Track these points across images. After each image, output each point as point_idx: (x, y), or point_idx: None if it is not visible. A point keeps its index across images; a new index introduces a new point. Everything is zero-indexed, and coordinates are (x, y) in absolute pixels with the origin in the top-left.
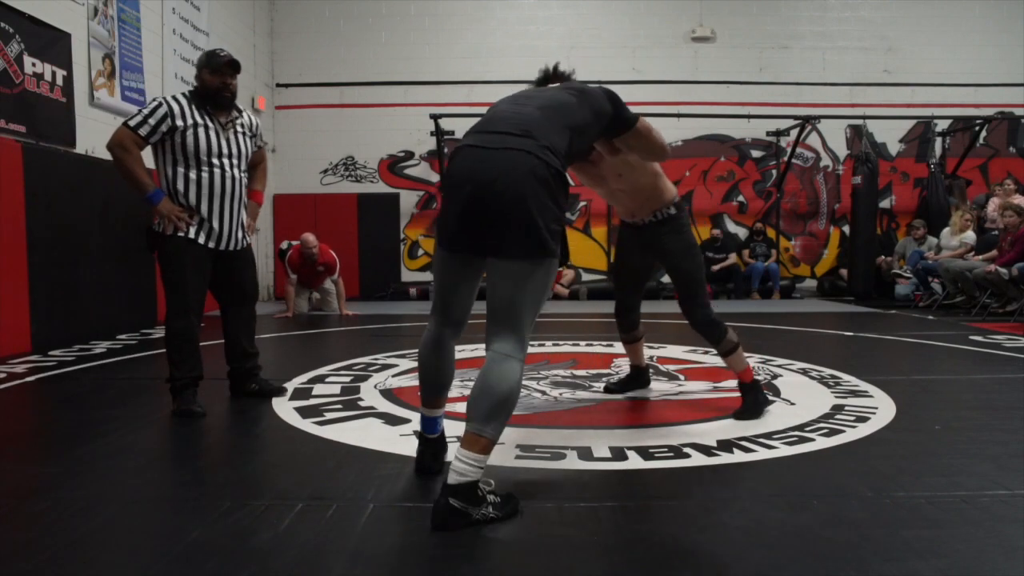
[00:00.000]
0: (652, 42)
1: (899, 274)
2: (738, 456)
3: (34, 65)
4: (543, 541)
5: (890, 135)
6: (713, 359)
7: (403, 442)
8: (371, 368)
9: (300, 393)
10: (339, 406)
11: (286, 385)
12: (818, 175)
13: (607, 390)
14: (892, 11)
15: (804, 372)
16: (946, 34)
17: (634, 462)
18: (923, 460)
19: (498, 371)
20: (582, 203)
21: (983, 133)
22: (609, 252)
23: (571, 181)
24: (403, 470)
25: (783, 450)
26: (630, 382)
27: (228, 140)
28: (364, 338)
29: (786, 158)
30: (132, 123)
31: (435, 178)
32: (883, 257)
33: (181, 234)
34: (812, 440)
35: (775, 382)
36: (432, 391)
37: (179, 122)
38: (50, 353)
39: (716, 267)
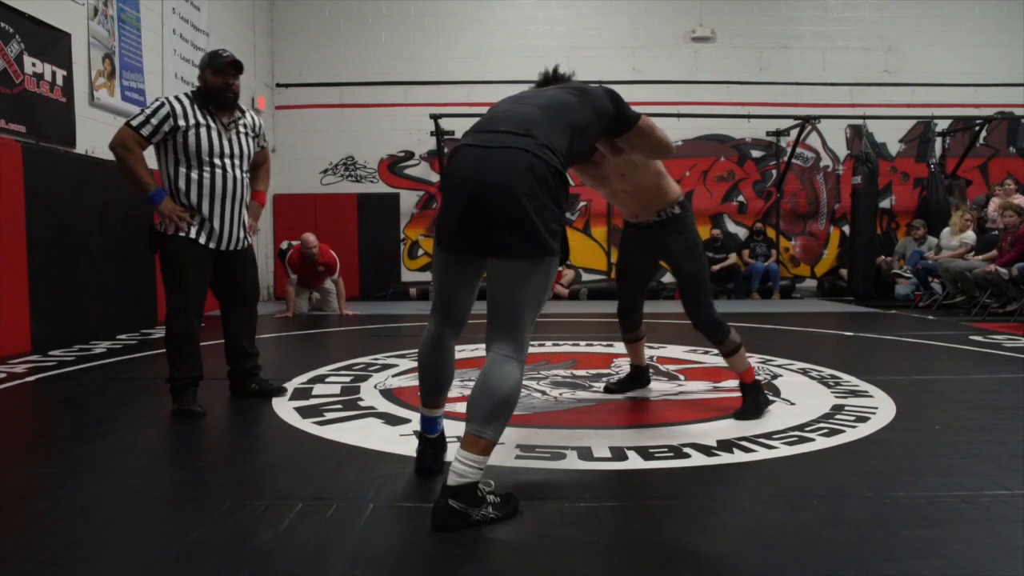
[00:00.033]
0: (652, 42)
1: (899, 274)
2: (738, 456)
3: (34, 65)
4: (543, 541)
5: (890, 135)
6: (713, 359)
7: (403, 442)
8: (371, 368)
9: (300, 393)
10: (339, 406)
11: (286, 385)
12: (818, 175)
13: (607, 390)
14: (892, 11)
15: (804, 372)
16: (946, 34)
17: (634, 462)
18: (923, 460)
19: (498, 372)
20: (582, 203)
21: (983, 133)
22: (609, 252)
23: (571, 181)
24: (403, 470)
25: (783, 450)
26: (630, 382)
27: (230, 140)
28: (364, 338)
29: (786, 158)
30: (134, 123)
31: (435, 178)
32: (883, 257)
33: (182, 234)
34: (812, 440)
35: (775, 382)
36: (432, 391)
37: (181, 122)
38: (50, 353)
39: (716, 267)
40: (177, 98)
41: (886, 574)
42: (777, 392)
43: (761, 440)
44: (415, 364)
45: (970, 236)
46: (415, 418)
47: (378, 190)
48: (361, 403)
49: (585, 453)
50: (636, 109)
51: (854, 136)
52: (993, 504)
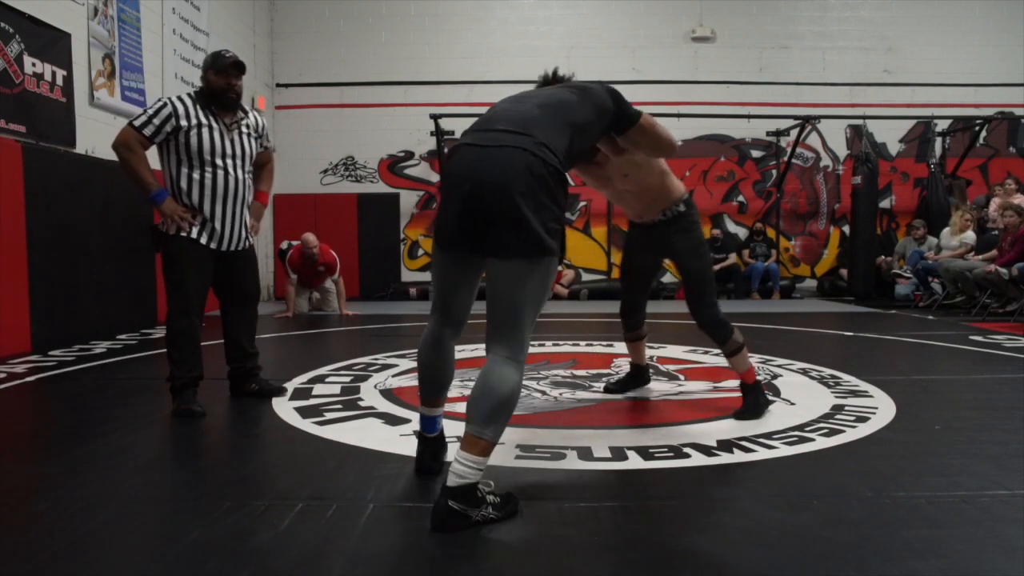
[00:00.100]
0: (652, 42)
1: (899, 274)
2: (738, 456)
3: (34, 65)
4: (543, 541)
5: (890, 135)
6: (713, 359)
7: (403, 442)
8: (371, 368)
9: (300, 393)
10: (339, 406)
11: (286, 385)
12: (818, 175)
13: (607, 390)
14: (892, 11)
15: (804, 372)
16: (946, 34)
17: (634, 462)
18: (923, 460)
19: (498, 373)
20: (582, 203)
21: (983, 133)
22: (609, 252)
23: (571, 181)
24: (403, 470)
25: (783, 450)
26: (630, 381)
27: (232, 141)
28: (364, 338)
29: (786, 158)
30: (137, 123)
31: (435, 178)
32: (883, 257)
33: (184, 234)
34: (812, 440)
35: (775, 382)
36: (431, 390)
37: (183, 122)
38: (50, 353)
39: (716, 267)
40: (180, 98)
41: (886, 574)
42: (777, 392)
43: (761, 440)
44: (415, 364)
45: (970, 236)
46: (415, 418)
47: (378, 190)
48: (361, 403)
49: (585, 453)
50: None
51: (854, 136)
52: (993, 504)
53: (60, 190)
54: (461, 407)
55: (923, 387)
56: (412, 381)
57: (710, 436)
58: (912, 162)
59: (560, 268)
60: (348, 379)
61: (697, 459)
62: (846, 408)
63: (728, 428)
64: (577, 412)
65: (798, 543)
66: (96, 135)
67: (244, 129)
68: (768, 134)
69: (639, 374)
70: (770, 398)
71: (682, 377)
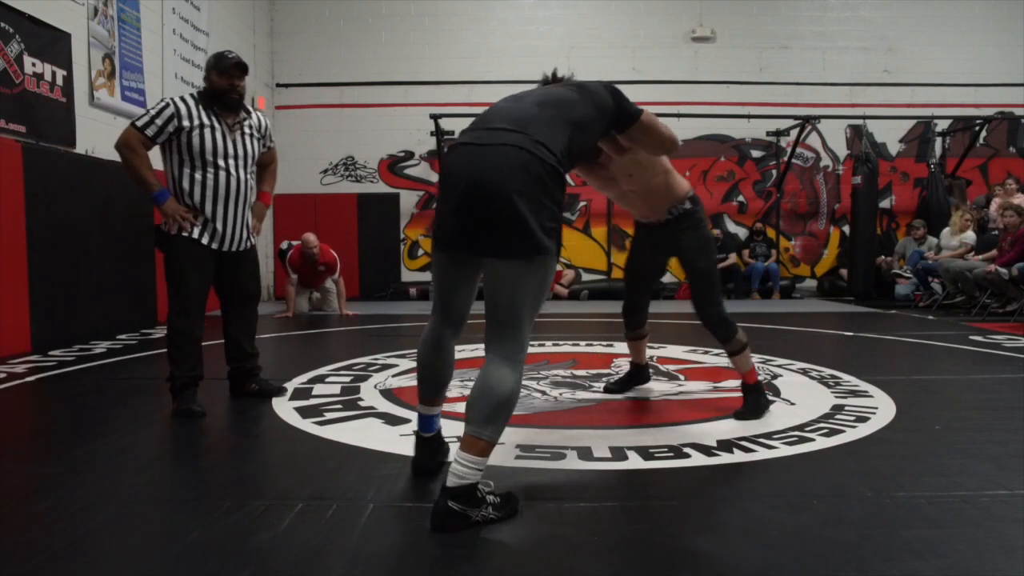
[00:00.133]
0: (652, 42)
1: (899, 274)
2: (738, 456)
3: (34, 65)
4: (543, 541)
5: (890, 135)
6: (713, 359)
7: (403, 442)
8: (371, 368)
9: (300, 393)
10: (339, 406)
11: (286, 385)
12: (818, 175)
13: (607, 390)
14: (892, 11)
15: (804, 372)
16: (946, 34)
17: (634, 462)
18: (923, 460)
19: (497, 373)
20: (582, 203)
21: (983, 133)
22: (609, 252)
23: (571, 181)
24: (403, 470)
25: (783, 450)
26: (630, 380)
27: (235, 142)
28: (364, 338)
29: (786, 158)
30: (139, 123)
31: (435, 178)
32: (883, 257)
33: (185, 234)
34: (812, 440)
35: (775, 382)
36: (430, 389)
37: (186, 123)
38: (50, 353)
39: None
40: (182, 98)
41: (886, 574)
42: (777, 392)
43: (761, 440)
44: (415, 364)
45: (970, 236)
46: (415, 418)
47: (378, 190)
48: (361, 403)
49: (585, 453)
50: None
51: (854, 136)
52: (993, 504)
53: (60, 190)
54: (461, 407)
55: (923, 387)
56: (412, 381)
57: (710, 436)
58: (912, 162)
59: (560, 268)
60: (348, 379)
61: (697, 459)
62: (846, 408)
63: (728, 428)
64: (577, 412)
65: (798, 543)
66: (96, 135)
67: (247, 130)
68: (768, 134)
69: (639, 373)
70: (770, 398)
71: (682, 377)
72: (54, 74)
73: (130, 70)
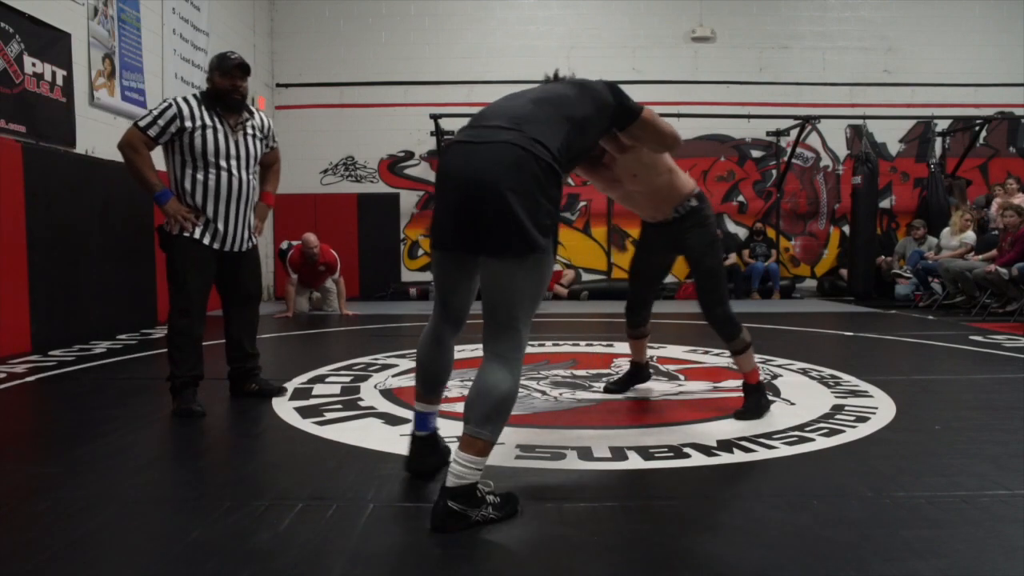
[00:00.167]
0: (652, 42)
1: (899, 274)
2: (738, 456)
3: (34, 65)
4: (543, 541)
5: (890, 135)
6: (713, 359)
7: (403, 442)
8: (371, 368)
9: (300, 393)
10: (339, 406)
11: (286, 385)
12: (818, 175)
13: (607, 390)
14: (892, 11)
15: (804, 372)
16: (946, 34)
17: (634, 462)
18: (923, 460)
19: (495, 372)
20: (582, 203)
21: (983, 133)
22: (609, 252)
23: (571, 181)
24: (403, 470)
25: (783, 450)
26: (630, 379)
27: (237, 142)
28: (364, 338)
29: (786, 158)
30: (142, 123)
31: (435, 178)
32: (883, 257)
33: (187, 234)
34: (812, 440)
35: (775, 382)
36: (427, 386)
37: (188, 123)
38: (50, 353)
39: None
40: (185, 99)
41: (886, 574)
42: (777, 392)
43: (761, 440)
44: (415, 363)
45: (970, 236)
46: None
47: (378, 190)
48: (361, 403)
49: (585, 453)
50: None
51: (854, 136)
52: (993, 504)
53: (60, 190)
54: (462, 407)
55: (923, 387)
56: (412, 381)
57: (710, 436)
58: (912, 162)
59: (560, 268)
60: (348, 379)
61: (697, 459)
62: (846, 408)
63: (728, 428)
64: (577, 412)
65: (798, 543)
66: (96, 135)
67: (249, 130)
68: (768, 134)
69: (638, 372)
70: (770, 398)
71: (682, 377)
72: (54, 74)
73: (130, 70)
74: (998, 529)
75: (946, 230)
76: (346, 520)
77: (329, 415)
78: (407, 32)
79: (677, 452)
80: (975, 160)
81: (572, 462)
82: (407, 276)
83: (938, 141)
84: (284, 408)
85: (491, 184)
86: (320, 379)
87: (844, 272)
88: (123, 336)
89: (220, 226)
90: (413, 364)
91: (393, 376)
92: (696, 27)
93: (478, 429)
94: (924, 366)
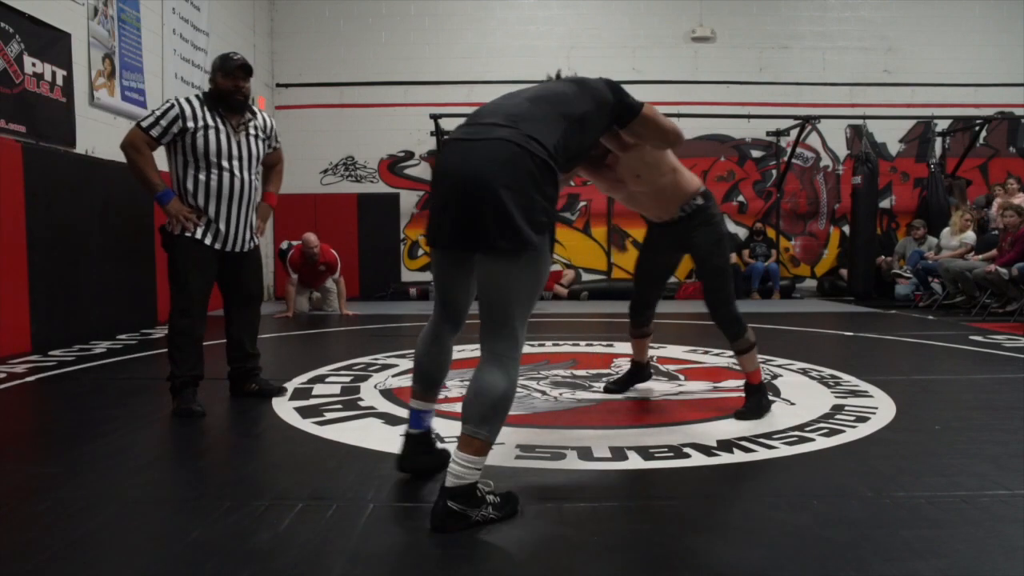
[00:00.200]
0: (652, 42)
1: (899, 274)
2: (738, 456)
3: (34, 65)
4: (543, 541)
5: (890, 135)
6: (713, 359)
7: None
8: (371, 368)
9: (300, 393)
10: (339, 406)
11: (286, 385)
12: (818, 175)
13: (607, 390)
14: (892, 11)
15: (804, 372)
16: (946, 34)
17: (634, 462)
18: (923, 460)
19: (492, 372)
20: (582, 203)
21: (983, 133)
22: (609, 252)
23: (571, 183)
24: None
25: (783, 450)
26: (630, 379)
27: (239, 143)
28: (364, 338)
29: (786, 158)
30: (144, 124)
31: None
32: (883, 257)
33: (188, 234)
34: (812, 440)
35: (775, 382)
36: (423, 383)
37: (190, 124)
38: (50, 353)
39: None
40: (188, 100)
41: (886, 574)
42: (777, 392)
43: (761, 440)
44: (413, 360)
45: (970, 236)
46: None
47: (378, 190)
48: (361, 403)
49: (585, 453)
50: None
51: (854, 136)
52: (993, 504)
53: (60, 190)
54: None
55: (923, 387)
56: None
57: (710, 436)
58: (912, 162)
59: (560, 268)
60: (348, 379)
61: (697, 459)
62: (846, 408)
63: (728, 428)
64: (577, 412)
65: (798, 543)
66: (96, 135)
67: (251, 131)
68: (768, 134)
69: (639, 372)
70: (770, 399)
71: (682, 377)
72: (54, 74)
73: (130, 70)
74: (998, 529)
75: (946, 230)
76: (346, 520)
77: (329, 415)
78: (407, 32)
79: (677, 452)
80: (975, 160)
81: (572, 462)
82: (407, 276)
83: (938, 141)
84: (284, 408)
85: (486, 181)
86: (320, 379)
87: (844, 272)
88: (123, 336)
89: (222, 226)
90: (413, 363)
91: (393, 376)
92: (696, 27)
93: (476, 429)
94: (924, 366)
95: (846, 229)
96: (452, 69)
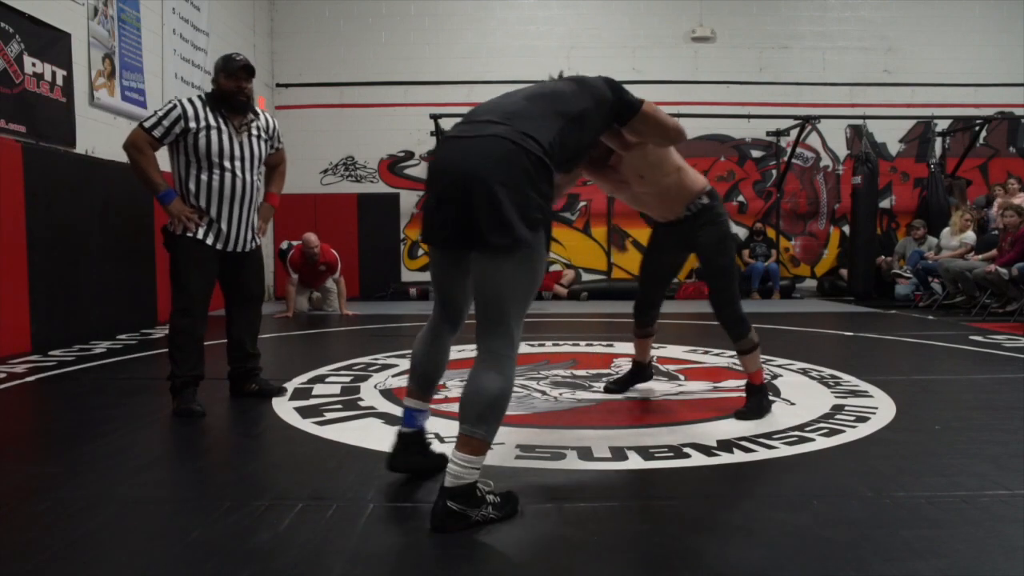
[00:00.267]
0: (652, 42)
1: (899, 274)
2: (738, 456)
3: (34, 65)
4: (543, 541)
5: (890, 135)
6: (713, 359)
7: None
8: (371, 368)
9: (300, 393)
10: (339, 406)
11: (286, 385)
12: (818, 175)
13: (607, 390)
14: (892, 11)
15: (804, 372)
16: (946, 34)
17: (634, 462)
18: (923, 460)
19: (488, 371)
20: (582, 203)
21: (983, 133)
22: (609, 252)
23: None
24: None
25: (783, 450)
26: (631, 379)
27: (242, 144)
28: (364, 338)
29: (786, 158)
30: (147, 124)
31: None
32: (883, 257)
33: (190, 234)
34: (812, 440)
35: (775, 382)
36: (418, 382)
37: (192, 124)
38: (50, 353)
39: None
40: (190, 100)
41: (886, 574)
42: (777, 392)
43: (761, 440)
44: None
45: (970, 236)
46: None
47: (378, 190)
48: (361, 403)
49: (585, 453)
50: None
51: (854, 136)
52: (993, 504)
53: (60, 190)
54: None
55: (923, 387)
56: None
57: (710, 436)
58: (912, 162)
59: (560, 268)
60: (348, 379)
61: (697, 459)
62: (846, 408)
63: (728, 428)
64: (577, 412)
65: (798, 543)
66: (96, 135)
67: (254, 131)
68: (768, 134)
69: (640, 371)
70: (771, 399)
71: (682, 377)
72: (54, 74)
73: (130, 70)
74: (998, 529)
75: (946, 230)
76: (346, 520)
77: (329, 415)
78: (407, 32)
79: (677, 452)
80: (975, 160)
81: (572, 462)
82: (407, 276)
83: (938, 141)
84: (284, 408)
85: (480, 178)
86: (320, 379)
87: (844, 272)
88: (123, 336)
89: (223, 226)
90: (410, 362)
91: (393, 376)
92: (696, 27)
93: (473, 428)
94: (924, 366)
95: (846, 229)
96: (452, 69)
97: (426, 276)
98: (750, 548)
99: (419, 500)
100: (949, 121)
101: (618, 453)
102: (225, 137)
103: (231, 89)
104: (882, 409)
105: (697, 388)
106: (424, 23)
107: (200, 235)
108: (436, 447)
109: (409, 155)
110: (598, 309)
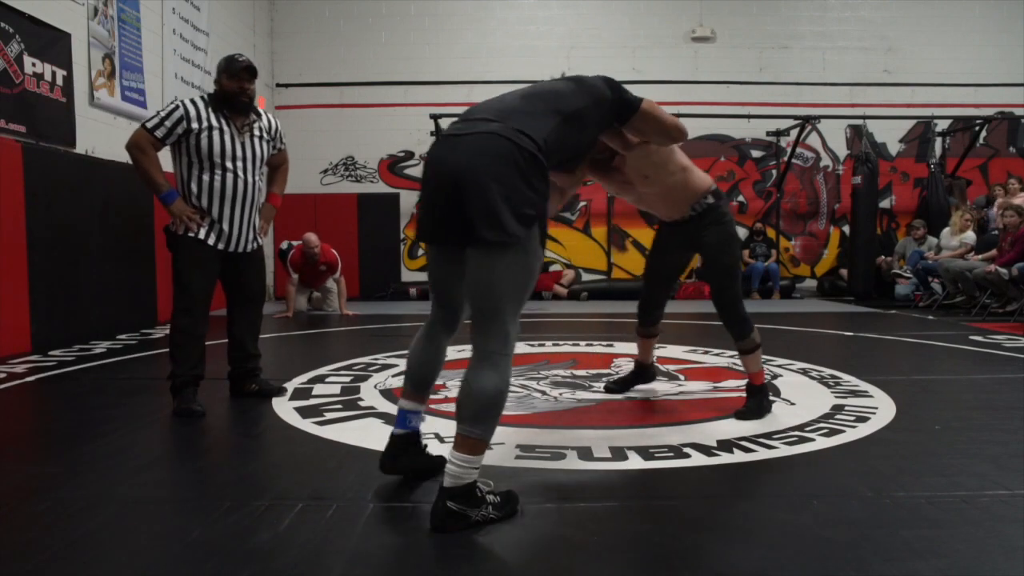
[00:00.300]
0: (652, 42)
1: (899, 274)
2: (738, 456)
3: (34, 65)
4: (543, 541)
5: (890, 135)
6: (713, 359)
7: None
8: (371, 368)
9: (300, 393)
10: (339, 406)
11: (286, 385)
12: (818, 175)
13: (607, 390)
14: (892, 11)
15: (804, 372)
16: (946, 34)
17: (634, 462)
18: (923, 460)
19: (483, 370)
20: (582, 203)
21: (983, 133)
22: (609, 252)
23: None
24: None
25: (783, 450)
26: (633, 379)
27: (244, 144)
28: (364, 338)
29: (786, 158)
30: (149, 125)
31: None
32: (883, 257)
33: (192, 234)
34: (812, 440)
35: (775, 382)
36: (413, 383)
37: (195, 125)
38: (50, 353)
39: None
40: (192, 101)
41: (886, 574)
42: (777, 392)
43: (761, 440)
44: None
45: (970, 236)
46: None
47: (378, 190)
48: (361, 403)
49: (585, 453)
50: None
51: (854, 136)
52: (993, 504)
53: (60, 190)
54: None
55: (923, 387)
56: None
57: (710, 436)
58: (912, 162)
59: (560, 268)
60: (348, 379)
61: (697, 459)
62: (846, 408)
63: (728, 428)
64: (577, 412)
65: (798, 543)
66: (96, 135)
67: (256, 132)
68: (768, 134)
69: (643, 372)
70: (771, 399)
71: (682, 377)
72: (54, 74)
73: (130, 70)
74: (998, 529)
75: (946, 230)
76: (346, 520)
77: (329, 415)
78: (407, 32)
79: (677, 452)
80: (975, 160)
81: (572, 462)
82: (407, 276)
83: (938, 141)
84: (284, 408)
85: (472, 174)
86: (320, 379)
87: (844, 272)
88: (123, 336)
89: (225, 227)
90: (406, 362)
91: (393, 376)
92: (696, 27)
93: (470, 428)
94: (924, 366)
95: (846, 229)
96: (452, 69)
97: (426, 276)
98: (750, 548)
99: (419, 500)
100: (949, 121)
101: (618, 453)
102: (227, 138)
103: (233, 90)
104: (882, 409)
105: (697, 388)
106: (424, 23)
107: (202, 235)
108: (434, 448)
109: (409, 155)
110: (598, 309)
